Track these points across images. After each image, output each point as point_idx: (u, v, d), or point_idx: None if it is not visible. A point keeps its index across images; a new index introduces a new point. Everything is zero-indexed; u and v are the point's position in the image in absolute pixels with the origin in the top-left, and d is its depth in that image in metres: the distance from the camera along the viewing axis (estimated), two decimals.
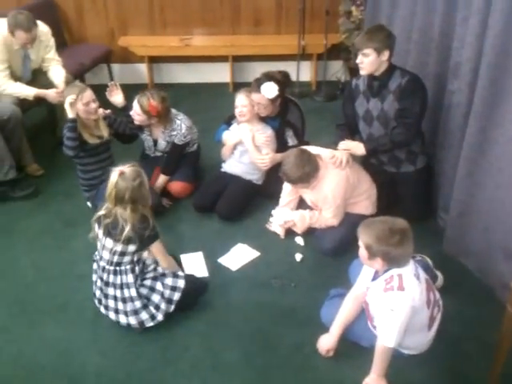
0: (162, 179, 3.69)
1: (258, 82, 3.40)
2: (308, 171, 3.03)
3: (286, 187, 3.34)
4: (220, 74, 5.63)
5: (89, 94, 3.29)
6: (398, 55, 3.66)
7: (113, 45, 5.51)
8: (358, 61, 3.05)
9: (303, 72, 5.53)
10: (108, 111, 3.48)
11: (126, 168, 2.52)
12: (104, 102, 3.52)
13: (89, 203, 3.56)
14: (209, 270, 3.09)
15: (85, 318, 2.80)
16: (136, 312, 2.65)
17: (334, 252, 3.15)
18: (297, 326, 2.73)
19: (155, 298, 2.68)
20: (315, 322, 2.68)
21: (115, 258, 2.58)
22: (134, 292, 2.62)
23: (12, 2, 5.12)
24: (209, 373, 2.51)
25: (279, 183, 3.36)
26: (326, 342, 2.52)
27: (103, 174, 3.24)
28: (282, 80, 3.48)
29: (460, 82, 2.99)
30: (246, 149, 3.58)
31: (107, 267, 2.62)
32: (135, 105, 3.48)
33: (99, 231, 2.60)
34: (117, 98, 3.55)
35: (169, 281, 2.71)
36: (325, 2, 5.02)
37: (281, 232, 3.35)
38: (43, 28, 4.05)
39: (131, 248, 2.56)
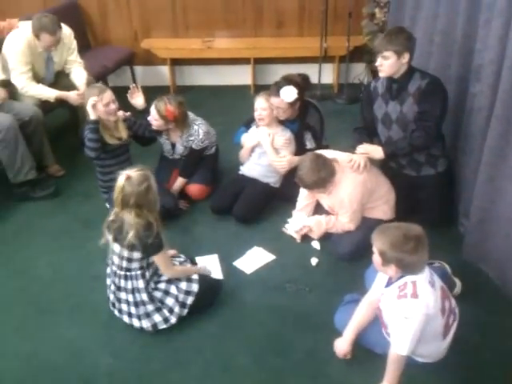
0: (179, 182, 3.70)
1: (277, 86, 3.37)
2: (323, 176, 3.00)
3: (303, 191, 3.31)
4: (241, 76, 5.62)
5: (109, 95, 3.31)
6: (420, 57, 3.61)
7: (136, 47, 5.55)
8: (377, 63, 3.00)
9: (325, 74, 5.48)
10: (128, 113, 3.50)
11: (134, 172, 2.50)
12: (125, 105, 3.55)
13: (107, 204, 3.58)
14: (223, 273, 3.08)
15: (99, 319, 2.81)
16: (148, 315, 2.65)
17: (350, 257, 3.11)
18: (310, 331, 2.70)
19: (169, 301, 2.68)
20: (329, 327, 2.65)
21: (124, 264, 2.59)
22: (145, 296, 2.62)
23: (38, 4, 5.22)
24: (220, 376, 2.50)
25: (297, 186, 3.32)
26: (341, 346, 2.49)
27: None
28: (302, 83, 3.44)
29: (482, 85, 2.92)
30: (264, 151, 3.57)
31: (118, 272, 2.63)
32: (152, 110, 3.49)
33: (109, 236, 2.61)
34: (138, 100, 3.58)
35: (183, 285, 2.71)
36: (348, 3, 4.99)
37: (297, 236, 3.32)
38: (66, 30, 4.10)
39: (136, 255, 2.55)
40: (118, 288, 2.65)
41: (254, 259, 3.20)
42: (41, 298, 2.97)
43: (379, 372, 2.28)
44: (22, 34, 3.89)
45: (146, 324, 2.66)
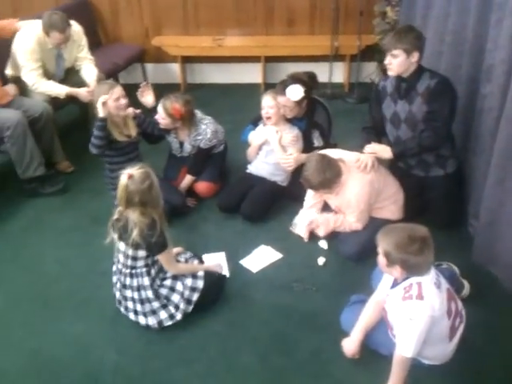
0: (187, 179, 3.70)
1: (284, 84, 3.36)
2: (329, 177, 2.98)
3: (310, 191, 3.30)
4: (252, 74, 5.62)
5: (119, 90, 3.31)
6: (430, 57, 3.59)
7: (146, 44, 5.57)
8: (386, 62, 2.99)
9: (336, 73, 5.47)
10: (138, 111, 3.50)
11: (135, 170, 2.49)
12: (135, 102, 3.55)
13: (116, 201, 3.59)
14: (230, 271, 3.08)
15: (105, 315, 2.82)
16: (154, 312, 2.66)
17: (357, 257, 3.09)
18: (316, 331, 2.69)
19: (175, 297, 2.68)
20: (335, 327, 2.63)
21: (129, 262, 2.60)
22: (150, 294, 2.63)
23: (51, 2, 5.25)
24: (224, 375, 2.49)
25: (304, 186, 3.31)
26: (349, 346, 2.48)
27: None
28: (308, 82, 3.43)
29: (492, 86, 2.89)
30: (271, 149, 3.56)
31: (124, 270, 2.64)
32: (159, 108, 3.49)
33: (114, 235, 2.61)
34: (148, 98, 3.59)
35: (188, 281, 2.71)
36: (359, 2, 4.97)
37: (304, 235, 3.31)
38: (76, 27, 4.12)
39: (141, 253, 2.56)
40: (124, 286, 2.66)
41: (260, 258, 3.19)
42: (48, 293, 2.99)
43: (384, 373, 2.26)
44: (32, 31, 3.91)
45: (151, 321, 2.67)
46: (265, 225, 3.49)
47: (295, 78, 3.38)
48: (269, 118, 3.49)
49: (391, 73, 3.02)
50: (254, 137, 3.66)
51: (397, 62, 2.94)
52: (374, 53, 5.26)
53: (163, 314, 2.67)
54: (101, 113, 3.25)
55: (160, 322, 2.67)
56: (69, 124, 4.75)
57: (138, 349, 2.63)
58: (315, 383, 2.44)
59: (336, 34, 5.18)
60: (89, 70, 4.20)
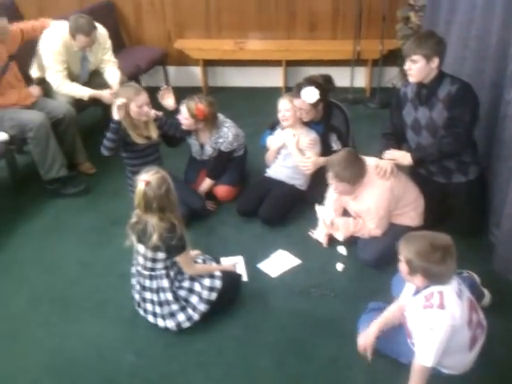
0: (207, 183, 3.72)
1: (299, 87, 3.36)
2: (356, 171, 2.97)
3: (331, 196, 3.28)
4: (273, 78, 5.62)
5: (143, 97, 3.31)
6: (454, 62, 3.55)
7: (169, 47, 5.60)
8: (406, 67, 2.96)
9: (357, 78, 5.44)
10: (160, 113, 3.52)
11: (151, 176, 2.49)
12: (157, 105, 3.58)
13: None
14: (248, 275, 3.08)
15: (123, 317, 2.84)
16: (173, 314, 2.67)
17: (376, 263, 3.07)
18: (333, 337, 2.68)
19: (193, 299, 2.69)
20: (352, 334, 2.60)
21: (149, 264, 2.61)
22: (169, 296, 2.64)
23: (76, 3, 5.32)
24: (241, 379, 2.49)
25: (323, 190, 3.31)
26: (363, 339, 2.45)
27: None
28: (324, 84, 3.43)
29: None
30: (289, 153, 3.56)
31: (143, 272, 2.66)
32: (183, 109, 3.51)
33: (133, 237, 2.63)
34: (168, 101, 3.61)
35: (206, 281, 2.72)
36: (382, 7, 4.94)
37: (324, 240, 3.29)
38: (101, 30, 4.16)
39: (160, 255, 2.58)
40: (143, 288, 2.68)
41: (279, 262, 3.19)
42: (68, 294, 3.02)
43: (403, 382, 2.23)
44: (58, 33, 3.96)
45: (170, 324, 2.68)
46: (283, 229, 3.48)
47: (311, 81, 3.39)
48: (286, 119, 3.49)
49: (411, 79, 2.99)
50: (272, 141, 3.67)
51: (416, 68, 2.92)
52: (396, 58, 5.22)
53: (181, 317, 2.68)
54: (115, 115, 3.26)
55: (178, 325, 2.69)
56: (91, 126, 4.80)
57: (156, 351, 2.64)
58: None
59: (358, 38, 5.15)
60: (112, 73, 4.24)
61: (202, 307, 2.69)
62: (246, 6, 5.43)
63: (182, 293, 2.69)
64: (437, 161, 3.13)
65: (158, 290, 2.65)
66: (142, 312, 2.77)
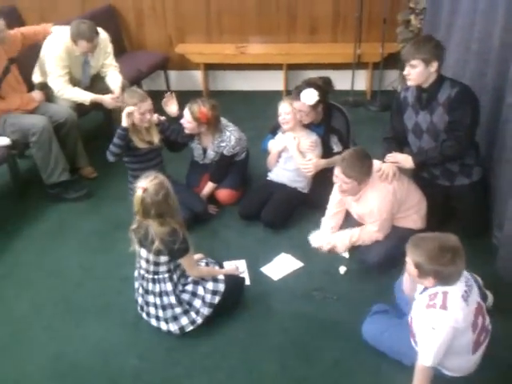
0: (209, 187, 3.72)
1: (298, 90, 3.38)
2: (365, 170, 2.95)
3: (334, 198, 3.28)
4: (274, 82, 5.62)
5: (147, 105, 3.33)
6: (456, 65, 3.57)
7: (170, 52, 5.61)
8: (405, 72, 2.96)
9: (358, 81, 5.44)
10: (163, 118, 3.53)
11: (149, 182, 2.48)
12: (159, 109, 3.59)
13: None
14: (251, 279, 3.08)
15: (126, 321, 2.84)
16: (176, 318, 2.67)
17: (378, 266, 3.06)
18: (337, 340, 2.67)
19: (197, 303, 2.69)
20: (356, 337, 2.62)
21: (151, 268, 2.61)
22: (173, 299, 2.64)
23: (77, 9, 5.35)
24: (245, 383, 2.49)
25: (326, 193, 3.31)
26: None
27: None
28: (323, 86, 3.44)
29: None
30: (290, 156, 3.57)
31: (146, 275, 2.66)
32: (186, 112, 3.52)
33: (135, 242, 2.63)
34: (172, 107, 3.62)
35: (210, 285, 2.72)
36: (383, 10, 4.95)
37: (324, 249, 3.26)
38: (103, 35, 4.17)
39: (163, 259, 2.57)
40: (146, 291, 2.68)
41: (281, 266, 3.19)
42: (71, 297, 3.02)
43: None
44: (60, 38, 3.97)
45: (173, 327, 2.68)
46: (286, 232, 3.48)
47: (310, 83, 3.40)
48: (286, 122, 3.50)
49: (411, 83, 2.99)
50: (273, 144, 3.68)
51: (416, 73, 2.92)
52: (396, 61, 5.21)
53: (184, 320, 2.68)
54: (124, 122, 3.29)
55: (182, 328, 2.68)
56: (93, 130, 4.81)
57: (160, 355, 2.64)
58: None
59: (359, 41, 5.16)
60: (114, 77, 4.25)
61: (206, 311, 2.69)
62: (246, 10, 5.44)
63: (186, 296, 2.68)
64: (439, 164, 3.13)
65: (161, 294, 2.65)
66: (145, 316, 2.77)
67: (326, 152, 3.57)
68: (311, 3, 5.34)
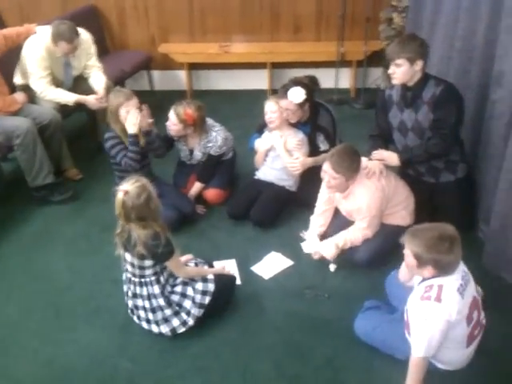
0: (197, 187, 3.71)
1: (285, 88, 3.39)
2: (355, 166, 2.95)
3: (322, 196, 3.29)
4: (258, 80, 5.62)
5: (133, 103, 3.31)
6: (440, 63, 3.59)
7: (153, 52, 5.57)
8: (390, 71, 2.98)
9: (342, 79, 5.47)
10: (151, 120, 3.47)
11: (130, 185, 2.46)
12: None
13: None
14: (241, 278, 3.07)
15: (117, 323, 2.82)
16: (167, 320, 2.66)
17: (368, 263, 3.08)
18: (329, 337, 2.68)
19: (187, 303, 2.68)
20: (348, 334, 2.63)
21: (137, 271, 2.59)
22: (162, 301, 2.63)
23: (58, 9, 5.29)
24: (238, 382, 2.49)
25: (314, 191, 3.31)
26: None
27: None
28: (310, 84, 3.46)
29: (503, 91, 2.89)
30: (277, 154, 3.58)
31: (133, 279, 2.64)
32: (171, 115, 3.50)
33: (120, 246, 2.61)
34: (146, 121, 3.54)
35: (199, 285, 2.71)
36: (365, 8, 4.98)
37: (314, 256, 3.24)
38: (84, 35, 4.12)
39: (148, 263, 2.55)
40: (134, 295, 2.66)
41: (272, 264, 3.19)
42: (59, 302, 2.99)
43: (399, 379, 2.25)
44: (40, 39, 3.91)
45: (164, 329, 2.67)
46: (275, 231, 3.49)
47: (296, 82, 3.42)
48: (272, 121, 3.50)
49: (395, 81, 3.01)
50: (260, 143, 3.68)
51: (401, 72, 2.94)
52: (380, 58, 5.26)
53: (176, 322, 2.67)
54: (131, 130, 3.27)
55: (173, 330, 2.67)
56: (76, 131, 4.76)
57: (152, 357, 2.62)
58: None
59: (342, 40, 5.18)
60: (97, 78, 4.20)
61: (196, 311, 2.68)
62: (230, 9, 5.43)
63: (175, 298, 2.67)
64: (424, 161, 3.16)
65: (149, 297, 2.63)
66: (135, 318, 2.75)
67: (313, 150, 3.59)
68: (294, 2, 5.36)
